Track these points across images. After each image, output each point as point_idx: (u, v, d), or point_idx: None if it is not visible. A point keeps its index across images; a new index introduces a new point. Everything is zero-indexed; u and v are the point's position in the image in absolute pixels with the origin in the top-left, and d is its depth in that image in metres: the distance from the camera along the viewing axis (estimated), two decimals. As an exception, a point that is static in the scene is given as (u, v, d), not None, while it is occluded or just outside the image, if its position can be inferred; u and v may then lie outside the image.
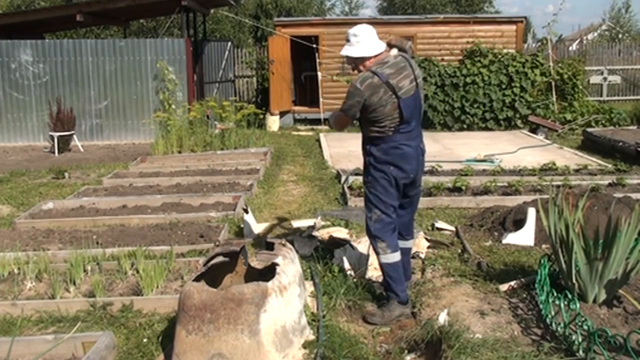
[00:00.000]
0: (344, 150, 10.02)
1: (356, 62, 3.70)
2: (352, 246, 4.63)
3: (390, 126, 3.61)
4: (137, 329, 3.59)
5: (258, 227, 5.57)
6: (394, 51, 3.73)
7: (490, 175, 7.46)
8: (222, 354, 2.92)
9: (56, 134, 10.58)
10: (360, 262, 4.43)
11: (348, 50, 3.67)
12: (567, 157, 9.39)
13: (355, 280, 4.16)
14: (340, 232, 5.15)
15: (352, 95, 3.60)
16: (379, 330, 3.64)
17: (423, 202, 4.37)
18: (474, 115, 12.92)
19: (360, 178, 7.17)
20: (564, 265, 3.62)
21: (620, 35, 32.06)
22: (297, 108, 14.67)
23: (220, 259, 3.53)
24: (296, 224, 5.76)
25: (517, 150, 9.92)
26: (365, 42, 3.63)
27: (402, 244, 3.96)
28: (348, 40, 3.68)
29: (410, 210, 3.99)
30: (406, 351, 3.33)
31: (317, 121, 13.95)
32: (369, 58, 3.65)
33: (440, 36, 13.81)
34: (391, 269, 3.75)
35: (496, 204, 6.03)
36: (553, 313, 3.35)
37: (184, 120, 10.72)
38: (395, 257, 3.76)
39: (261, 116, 12.87)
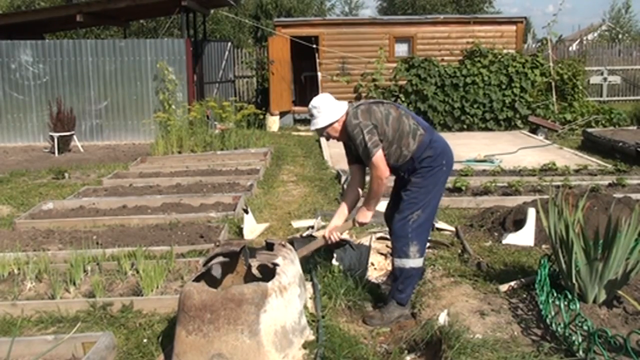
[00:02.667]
0: (344, 151, 10.01)
1: (329, 130, 3.72)
2: (352, 246, 4.63)
3: (415, 123, 3.66)
4: (137, 329, 3.59)
5: (258, 227, 5.57)
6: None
7: (490, 176, 7.46)
8: (222, 354, 2.92)
9: (56, 134, 10.58)
10: (360, 262, 4.43)
11: (316, 124, 3.70)
12: (567, 157, 9.39)
13: (355, 280, 4.16)
14: (340, 233, 5.14)
15: (362, 128, 3.55)
16: (379, 331, 3.64)
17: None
18: (474, 116, 12.93)
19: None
20: (564, 266, 3.62)
21: (620, 36, 32.08)
22: (297, 108, 14.66)
23: (220, 259, 3.53)
24: (296, 224, 5.76)
25: (517, 150, 9.92)
26: (327, 109, 3.67)
27: None
28: (312, 116, 3.72)
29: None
30: (406, 351, 3.33)
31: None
32: (337, 121, 3.69)
33: (440, 36, 13.82)
34: (416, 273, 3.73)
35: (496, 204, 6.03)
36: (553, 313, 3.35)
37: (184, 120, 10.72)
38: (422, 261, 3.77)
39: (261, 116, 12.87)
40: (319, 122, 3.70)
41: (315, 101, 3.73)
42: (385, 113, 3.63)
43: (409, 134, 3.63)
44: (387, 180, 3.65)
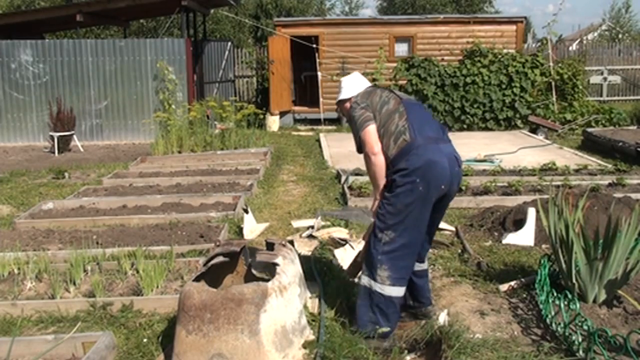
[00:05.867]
0: (344, 150, 10.02)
1: (341, 107, 3.64)
2: (352, 246, 4.63)
3: (405, 125, 3.21)
4: (137, 329, 3.59)
5: (258, 227, 5.57)
6: None
7: (490, 175, 7.46)
8: (222, 354, 2.93)
9: (56, 134, 10.58)
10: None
11: (337, 99, 3.68)
12: (567, 157, 9.39)
13: (355, 279, 4.15)
14: (340, 232, 5.15)
15: (354, 108, 3.39)
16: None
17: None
18: (474, 115, 12.92)
19: (361, 178, 7.21)
20: (564, 265, 3.62)
21: (620, 35, 32.08)
22: (297, 108, 14.67)
23: (220, 259, 3.53)
24: (296, 224, 5.76)
25: (517, 150, 9.92)
26: (345, 86, 3.60)
27: (418, 266, 3.56)
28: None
29: (434, 225, 3.52)
30: (406, 351, 3.33)
31: (317, 121, 13.96)
32: (348, 99, 3.56)
33: (440, 36, 13.81)
34: (383, 301, 3.23)
35: (496, 204, 6.03)
36: (553, 313, 3.35)
37: (184, 120, 10.72)
38: (394, 291, 3.23)
39: (261, 116, 12.87)
40: (338, 97, 3.65)
41: (343, 78, 3.69)
42: (383, 100, 3.37)
43: (392, 136, 3.23)
44: (378, 156, 3.22)
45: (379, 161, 3.23)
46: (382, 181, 3.26)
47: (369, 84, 3.63)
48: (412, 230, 3.19)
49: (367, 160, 3.29)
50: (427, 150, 3.16)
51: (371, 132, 3.26)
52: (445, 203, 3.37)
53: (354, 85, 3.59)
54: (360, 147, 3.37)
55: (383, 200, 3.25)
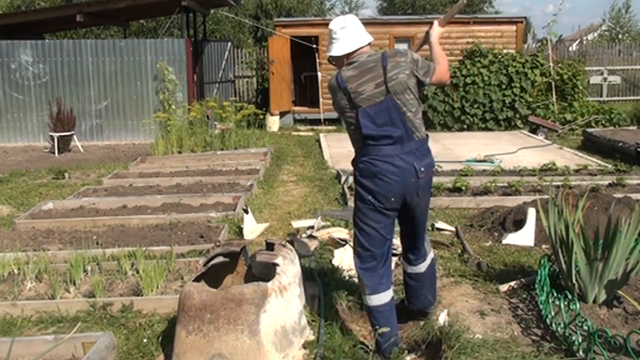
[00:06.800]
0: (344, 151, 10.02)
1: (336, 63, 3.21)
2: (351, 246, 4.63)
3: (356, 135, 3.10)
4: (137, 329, 3.59)
5: (258, 227, 5.57)
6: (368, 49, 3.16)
7: (490, 176, 7.46)
8: (222, 354, 2.93)
9: (56, 134, 10.58)
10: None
11: (329, 50, 3.20)
12: (567, 157, 9.39)
13: (355, 280, 4.15)
14: (340, 232, 5.15)
15: (330, 90, 3.21)
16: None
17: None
18: (474, 116, 12.92)
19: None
20: (564, 266, 3.62)
21: (620, 36, 32.10)
22: (297, 108, 14.66)
23: (220, 259, 3.53)
24: (296, 224, 5.76)
25: (517, 150, 9.92)
26: (340, 39, 3.11)
27: (410, 269, 3.49)
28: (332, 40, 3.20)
29: (411, 232, 3.37)
30: (406, 351, 3.33)
31: (317, 121, 13.95)
32: (340, 57, 3.14)
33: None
34: (370, 314, 3.22)
35: (496, 204, 6.03)
36: (553, 313, 3.35)
37: (184, 120, 10.73)
38: (374, 300, 3.16)
39: (261, 116, 12.87)
40: (329, 51, 3.17)
41: (333, 22, 3.14)
42: (343, 105, 3.10)
43: (350, 136, 3.21)
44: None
45: None
46: None
47: (358, 43, 3.10)
48: (367, 235, 3.13)
49: None
50: (375, 160, 3.02)
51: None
52: (413, 213, 3.20)
53: (345, 42, 3.10)
54: None
55: None
